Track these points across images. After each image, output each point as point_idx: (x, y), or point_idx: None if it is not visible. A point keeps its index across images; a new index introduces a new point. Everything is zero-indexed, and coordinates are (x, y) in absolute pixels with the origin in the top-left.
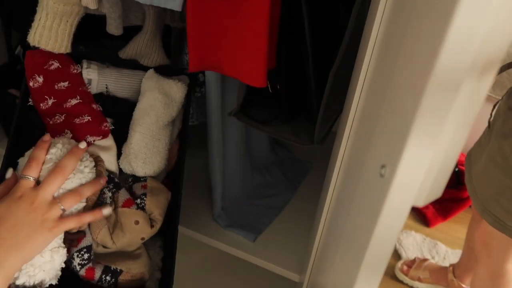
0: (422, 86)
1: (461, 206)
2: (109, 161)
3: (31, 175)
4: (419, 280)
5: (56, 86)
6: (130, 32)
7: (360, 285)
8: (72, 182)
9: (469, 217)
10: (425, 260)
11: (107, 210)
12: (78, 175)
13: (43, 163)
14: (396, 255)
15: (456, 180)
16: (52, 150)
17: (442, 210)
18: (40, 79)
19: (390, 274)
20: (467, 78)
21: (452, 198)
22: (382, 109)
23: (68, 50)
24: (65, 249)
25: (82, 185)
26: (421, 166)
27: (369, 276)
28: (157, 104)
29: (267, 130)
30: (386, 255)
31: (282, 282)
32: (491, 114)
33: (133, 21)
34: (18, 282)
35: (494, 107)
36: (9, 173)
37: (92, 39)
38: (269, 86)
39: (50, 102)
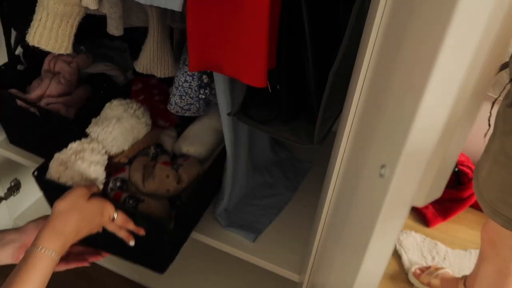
0: (422, 85)
1: (461, 206)
2: (167, 143)
3: (117, 220)
4: (428, 285)
5: (150, 91)
6: (131, 33)
7: (360, 285)
8: (127, 121)
9: (469, 217)
10: (441, 268)
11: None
12: (134, 119)
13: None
14: (397, 256)
15: (456, 180)
16: (120, 107)
17: (442, 210)
18: (140, 85)
19: (390, 274)
20: (467, 77)
21: (452, 198)
22: (382, 109)
23: (69, 50)
24: (103, 168)
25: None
26: (421, 166)
27: (368, 277)
28: (213, 120)
29: (267, 130)
30: (385, 256)
31: (282, 282)
32: (490, 113)
33: (135, 23)
34: (61, 180)
35: (492, 105)
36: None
37: (92, 39)
38: (269, 86)
39: (141, 97)
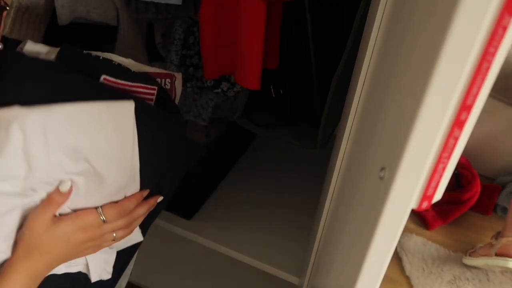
0: (422, 88)
1: (460, 208)
2: None
3: (107, 219)
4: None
5: None
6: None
7: None
8: None
9: (469, 219)
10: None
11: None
12: None
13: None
14: (398, 258)
15: (456, 183)
16: None
17: (442, 213)
18: None
19: (390, 277)
20: (468, 79)
21: (451, 200)
22: (382, 111)
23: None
24: None
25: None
26: (421, 168)
27: (369, 280)
28: None
29: (270, 134)
30: (386, 258)
31: (281, 285)
32: None
33: (94, 18)
34: None
35: None
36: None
37: (90, 43)
38: (272, 91)
39: None
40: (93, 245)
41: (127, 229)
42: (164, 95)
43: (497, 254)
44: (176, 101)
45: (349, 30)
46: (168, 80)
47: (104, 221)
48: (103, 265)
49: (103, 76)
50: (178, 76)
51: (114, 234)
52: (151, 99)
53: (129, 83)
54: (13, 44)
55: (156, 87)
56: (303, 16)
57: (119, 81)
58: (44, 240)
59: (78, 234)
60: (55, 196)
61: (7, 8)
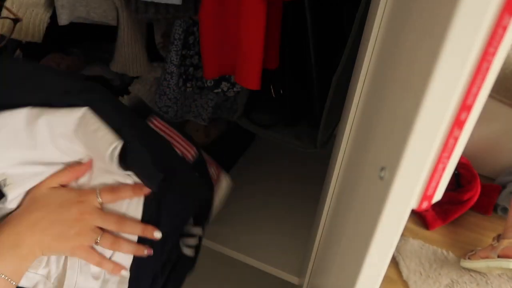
0: (422, 87)
1: (460, 208)
2: None
3: (104, 200)
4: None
5: None
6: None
7: None
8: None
9: (469, 219)
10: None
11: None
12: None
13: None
14: (394, 262)
15: (456, 183)
16: None
17: (442, 213)
18: None
19: (390, 277)
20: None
21: (451, 200)
22: (382, 110)
23: (36, 39)
24: None
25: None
26: (421, 168)
27: (369, 280)
28: None
29: (270, 134)
30: (386, 258)
31: (281, 285)
32: None
33: (94, 18)
34: None
35: None
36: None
37: (90, 42)
38: (272, 91)
39: None
40: (80, 231)
41: (114, 238)
42: (202, 166)
43: (499, 256)
44: (214, 204)
45: (349, 30)
46: (214, 168)
47: (100, 204)
48: None
49: (152, 116)
50: (227, 179)
51: (98, 238)
52: (190, 159)
53: (175, 131)
54: (13, 43)
55: (195, 147)
56: (303, 16)
57: (166, 125)
58: (44, 193)
59: (72, 204)
60: (66, 171)
61: (20, 20)
